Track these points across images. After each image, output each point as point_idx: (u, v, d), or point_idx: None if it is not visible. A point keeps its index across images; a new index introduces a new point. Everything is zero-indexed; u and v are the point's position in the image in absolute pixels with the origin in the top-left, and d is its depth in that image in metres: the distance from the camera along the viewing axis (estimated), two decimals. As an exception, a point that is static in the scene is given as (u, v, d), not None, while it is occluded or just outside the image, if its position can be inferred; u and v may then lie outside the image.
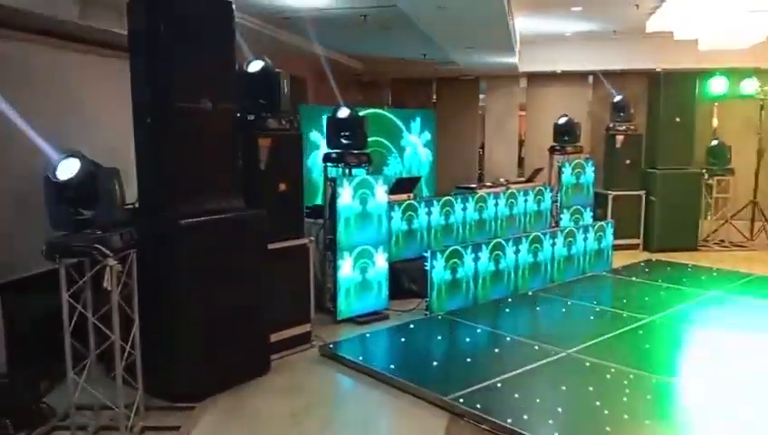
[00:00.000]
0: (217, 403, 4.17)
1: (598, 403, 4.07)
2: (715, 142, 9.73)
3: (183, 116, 4.09)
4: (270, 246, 4.65)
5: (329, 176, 6.05)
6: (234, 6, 4.36)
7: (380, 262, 6.16)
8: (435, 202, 7.29)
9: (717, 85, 9.42)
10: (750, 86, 9.39)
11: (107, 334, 3.58)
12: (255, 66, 4.98)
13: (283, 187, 4.91)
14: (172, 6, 3.99)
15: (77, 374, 3.55)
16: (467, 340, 5.45)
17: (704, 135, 9.92)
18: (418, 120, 10.74)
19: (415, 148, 10.57)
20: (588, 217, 9.01)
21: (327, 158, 6.13)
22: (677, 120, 9.42)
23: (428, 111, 11.24)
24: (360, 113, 6.30)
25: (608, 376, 4.56)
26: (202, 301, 4.13)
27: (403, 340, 5.45)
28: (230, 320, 4.30)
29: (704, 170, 9.53)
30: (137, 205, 4.41)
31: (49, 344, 3.84)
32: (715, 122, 10.34)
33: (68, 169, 3.45)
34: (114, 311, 3.55)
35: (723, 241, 9.69)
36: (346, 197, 5.77)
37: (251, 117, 4.87)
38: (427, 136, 10.83)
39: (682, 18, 7.00)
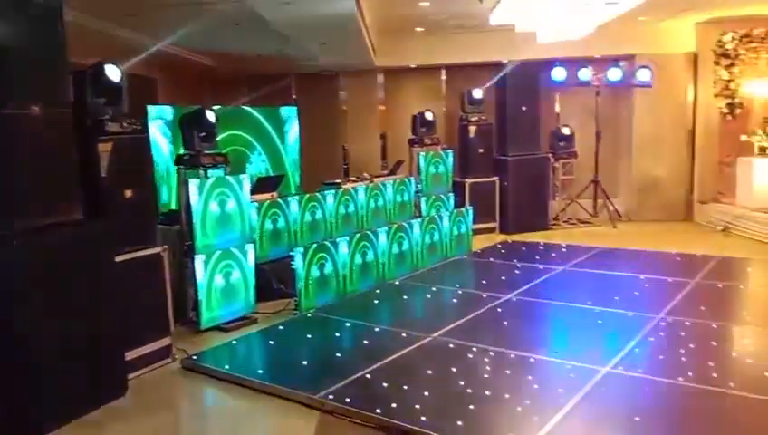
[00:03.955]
0: (69, 433, 3.85)
1: (462, 383, 4.22)
2: (558, 127, 10.46)
3: (8, 124, 3.70)
4: (118, 258, 4.36)
5: (182, 179, 5.78)
6: (63, 4, 4.01)
7: (245, 264, 6.00)
8: (300, 199, 7.22)
9: (557, 74, 10.12)
10: (585, 74, 10.18)
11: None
12: (95, 67, 4.63)
13: (128, 193, 4.61)
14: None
15: None
16: (337, 335, 5.45)
17: (548, 121, 10.65)
18: (283, 116, 10.58)
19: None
20: (449, 204, 9.35)
21: (179, 160, 5.85)
22: (524, 108, 10.05)
23: (290, 108, 11.09)
24: (217, 111, 6.10)
25: (470, 356, 4.75)
26: (39, 326, 3.76)
27: (272, 343, 5.35)
28: (75, 342, 3.96)
29: (550, 154, 10.25)
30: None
31: None
32: (557, 109, 11.13)
33: None
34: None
35: (570, 219, 10.49)
36: (202, 199, 5.54)
37: (89, 121, 4.53)
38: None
39: (521, 12, 7.44)
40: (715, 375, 4.20)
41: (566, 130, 10.38)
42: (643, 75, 10.05)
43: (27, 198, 3.84)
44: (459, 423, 3.65)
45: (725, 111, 9.94)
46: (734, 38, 9.72)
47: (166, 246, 4.94)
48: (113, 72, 4.63)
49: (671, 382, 4.17)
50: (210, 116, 5.90)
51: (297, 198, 7.27)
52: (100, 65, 4.58)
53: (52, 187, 3.99)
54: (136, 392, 4.39)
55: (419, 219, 7.81)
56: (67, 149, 4.12)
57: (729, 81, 9.84)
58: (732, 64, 9.82)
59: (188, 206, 5.50)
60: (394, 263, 7.19)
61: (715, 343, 4.85)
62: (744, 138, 9.75)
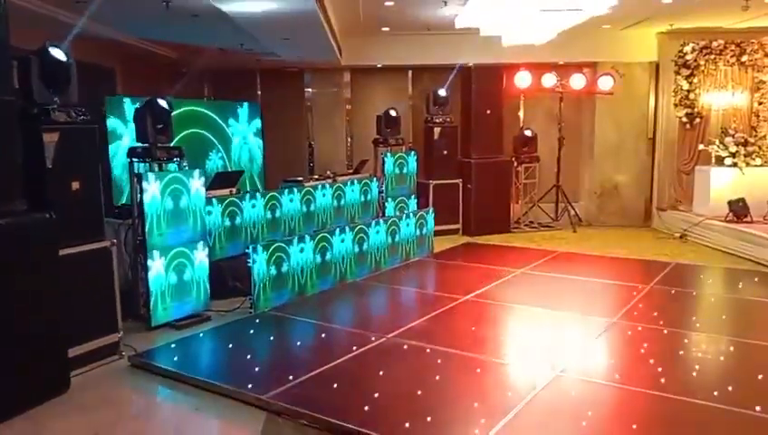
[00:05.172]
0: (5, 431, 3.70)
1: (412, 385, 4.18)
2: (522, 132, 10.53)
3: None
4: (63, 252, 4.22)
5: (135, 172, 5.63)
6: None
7: (199, 261, 5.88)
8: (259, 196, 7.10)
9: (522, 79, 10.20)
10: (549, 80, 10.28)
11: None
12: (39, 52, 4.47)
13: (75, 185, 4.47)
14: None
15: None
16: (291, 335, 5.38)
17: (512, 126, 10.72)
18: (243, 111, 10.45)
19: (245, 137, 10.22)
20: (412, 205, 9.34)
21: (132, 153, 5.70)
22: (488, 112, 10.10)
23: (253, 104, 10.95)
24: (177, 106, 5.96)
25: (423, 357, 4.72)
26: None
27: (224, 341, 5.25)
28: (14, 338, 3.83)
29: (513, 158, 10.32)
30: None
31: None
32: (521, 114, 11.21)
33: None
34: None
35: (532, 222, 10.56)
36: (155, 193, 5.41)
37: (35, 110, 4.37)
38: (256, 126, 10.59)
39: (485, 15, 7.45)
40: (663, 380, 4.23)
41: (529, 135, 10.46)
42: (605, 83, 10.20)
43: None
44: (407, 425, 3.61)
45: (685, 120, 10.14)
46: (694, 49, 9.92)
47: (114, 241, 4.81)
48: (59, 57, 4.47)
49: (620, 387, 4.21)
50: (164, 107, 5.76)
51: (257, 195, 7.16)
52: (45, 49, 4.42)
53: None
54: (79, 390, 4.26)
55: (381, 219, 7.78)
56: (10, 138, 3.97)
57: (689, 90, 10.05)
58: (692, 75, 10.02)
59: (141, 200, 5.36)
60: (354, 262, 7.14)
61: (666, 349, 4.90)
62: (701, 147, 9.97)
